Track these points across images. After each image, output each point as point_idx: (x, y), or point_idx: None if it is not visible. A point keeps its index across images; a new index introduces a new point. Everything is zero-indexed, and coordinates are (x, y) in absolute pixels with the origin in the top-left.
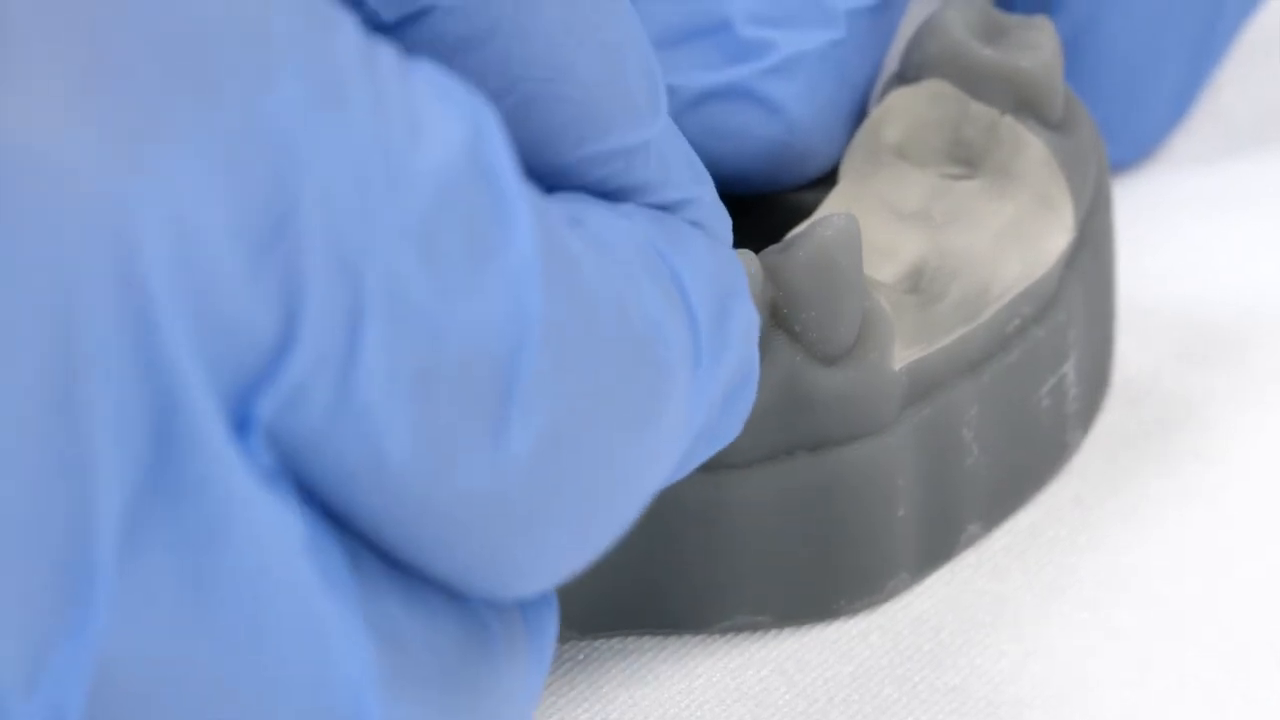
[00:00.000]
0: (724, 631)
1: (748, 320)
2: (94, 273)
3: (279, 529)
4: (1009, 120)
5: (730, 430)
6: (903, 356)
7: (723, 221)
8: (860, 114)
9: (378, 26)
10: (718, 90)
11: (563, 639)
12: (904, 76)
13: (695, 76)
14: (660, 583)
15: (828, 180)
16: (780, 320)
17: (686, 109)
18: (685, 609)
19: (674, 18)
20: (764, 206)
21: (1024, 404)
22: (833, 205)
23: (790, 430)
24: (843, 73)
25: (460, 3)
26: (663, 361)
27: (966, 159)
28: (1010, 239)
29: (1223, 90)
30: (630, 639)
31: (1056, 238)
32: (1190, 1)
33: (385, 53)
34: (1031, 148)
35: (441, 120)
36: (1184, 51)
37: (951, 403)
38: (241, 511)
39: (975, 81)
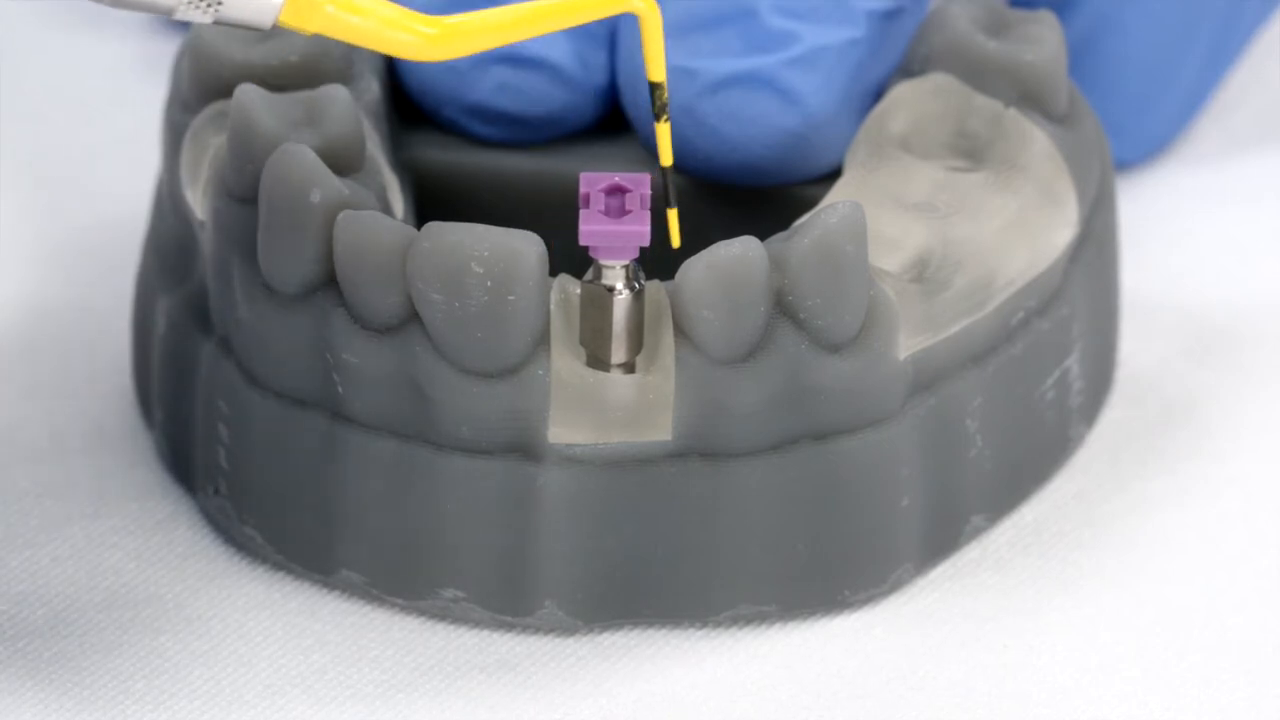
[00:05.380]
0: (729, 622)
1: None
2: None
3: None
4: (1013, 113)
5: None
6: (907, 346)
7: None
8: None
9: None
10: (740, 77)
11: (568, 630)
12: (909, 69)
13: (718, 62)
14: (665, 572)
15: (836, 176)
16: (785, 308)
17: (707, 93)
18: (689, 598)
19: (701, 3)
20: (774, 200)
21: (1028, 396)
22: (837, 196)
23: (794, 419)
24: (859, 71)
25: None
26: None
27: (970, 152)
28: (1015, 231)
29: (1231, 90)
30: (635, 633)
31: (1061, 231)
32: (1208, 4)
33: None
34: (1036, 141)
35: None
36: (1199, 53)
37: (956, 393)
38: None
39: (979, 74)
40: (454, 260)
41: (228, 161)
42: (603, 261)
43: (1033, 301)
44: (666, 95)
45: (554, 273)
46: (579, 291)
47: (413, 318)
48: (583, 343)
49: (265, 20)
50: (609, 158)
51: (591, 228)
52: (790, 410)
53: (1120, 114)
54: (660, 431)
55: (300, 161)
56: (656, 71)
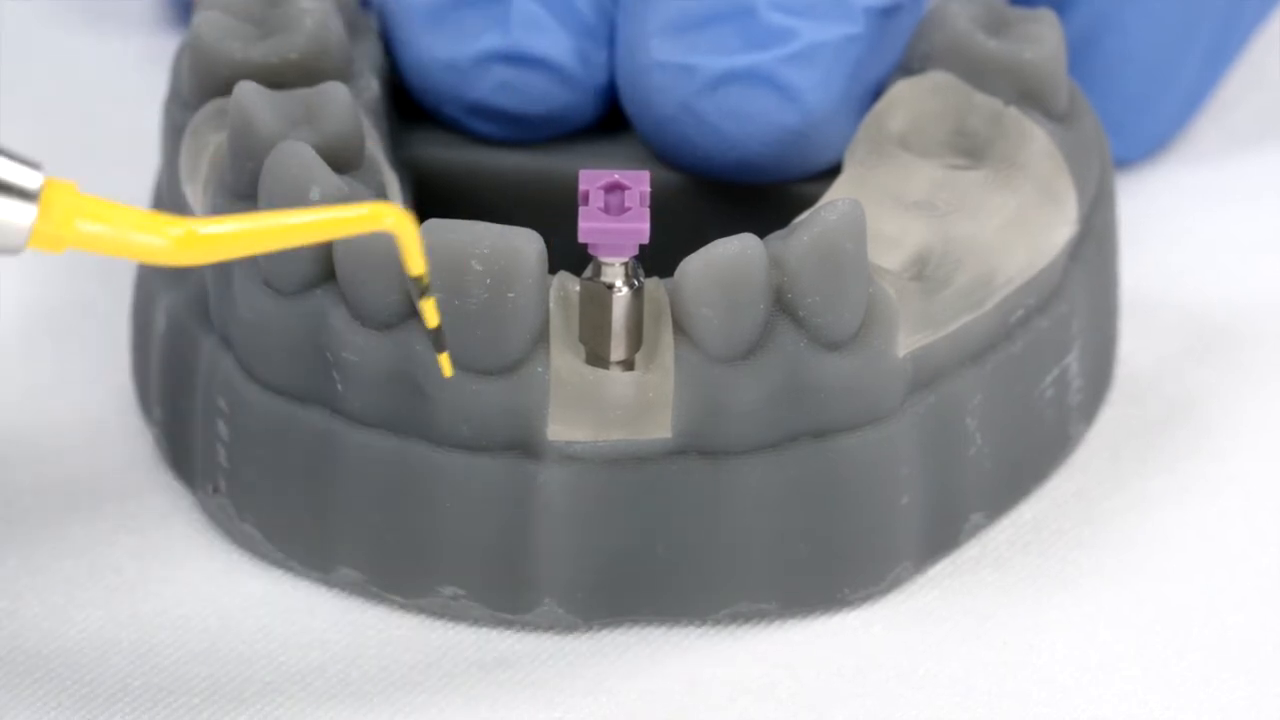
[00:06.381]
0: (728, 620)
1: None
2: None
3: None
4: (1013, 111)
5: None
6: (907, 344)
7: None
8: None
9: None
10: (738, 73)
11: (567, 628)
12: (908, 68)
13: (716, 59)
14: (664, 569)
15: (835, 174)
16: (784, 306)
17: (705, 90)
18: (688, 596)
19: (699, 0)
20: (773, 198)
21: (1027, 394)
22: (837, 194)
23: (794, 417)
24: (857, 68)
25: None
26: None
27: (970, 150)
28: (1015, 229)
29: (1231, 89)
30: (634, 631)
31: (1060, 229)
32: (1208, 3)
33: None
34: (1036, 139)
35: None
36: (1199, 52)
37: (955, 391)
38: None
39: (979, 73)
40: (454, 258)
41: (227, 159)
42: (602, 259)
43: (1032, 299)
44: (427, 280)
45: (553, 270)
46: (578, 289)
47: (412, 315)
48: (582, 340)
49: (15, 243)
50: (609, 156)
51: (591, 225)
52: (790, 408)
53: (1120, 112)
54: (659, 429)
55: (299, 159)
56: (415, 266)
